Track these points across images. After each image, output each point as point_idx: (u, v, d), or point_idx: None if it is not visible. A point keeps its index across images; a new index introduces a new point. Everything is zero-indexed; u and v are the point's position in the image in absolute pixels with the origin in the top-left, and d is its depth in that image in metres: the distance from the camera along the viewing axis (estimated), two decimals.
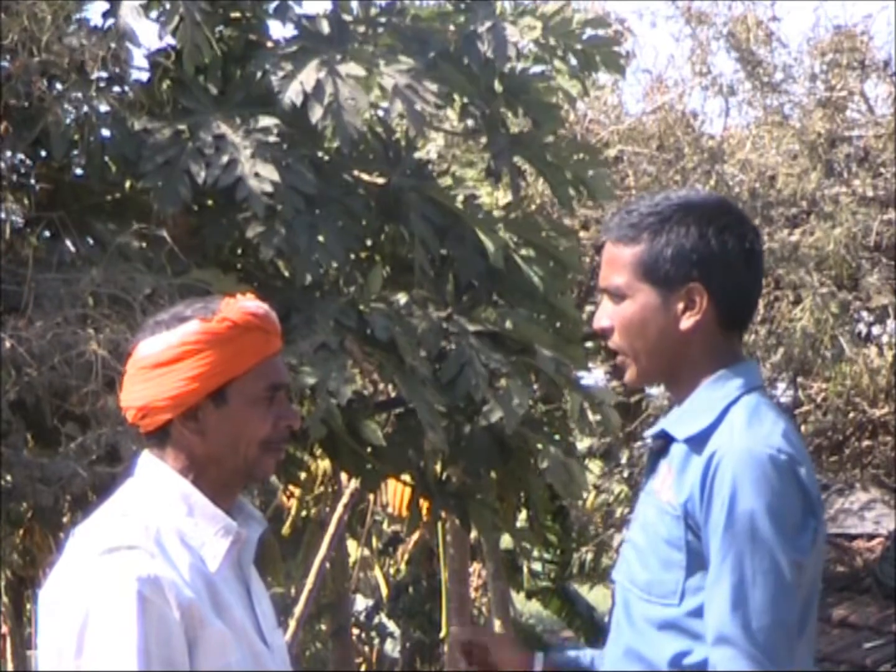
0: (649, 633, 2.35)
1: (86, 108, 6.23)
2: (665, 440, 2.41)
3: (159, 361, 2.33)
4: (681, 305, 2.37)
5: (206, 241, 6.64)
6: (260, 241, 6.34)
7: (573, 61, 6.97)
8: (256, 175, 6.15)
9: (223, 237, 6.72)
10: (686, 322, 2.37)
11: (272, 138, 6.28)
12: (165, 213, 6.29)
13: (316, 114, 6.24)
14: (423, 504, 7.57)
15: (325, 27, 6.59)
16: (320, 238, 6.38)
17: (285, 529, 13.66)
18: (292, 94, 6.28)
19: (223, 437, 2.34)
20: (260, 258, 6.56)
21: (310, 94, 6.25)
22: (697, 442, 2.33)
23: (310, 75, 6.28)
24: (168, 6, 6.31)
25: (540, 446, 6.86)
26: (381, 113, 6.91)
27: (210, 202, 6.69)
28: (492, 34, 6.72)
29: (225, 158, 6.19)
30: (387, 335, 6.39)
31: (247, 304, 2.38)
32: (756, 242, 2.42)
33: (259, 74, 6.50)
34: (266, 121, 6.32)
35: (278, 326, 2.41)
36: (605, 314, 2.43)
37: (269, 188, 6.14)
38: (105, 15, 6.43)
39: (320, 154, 6.74)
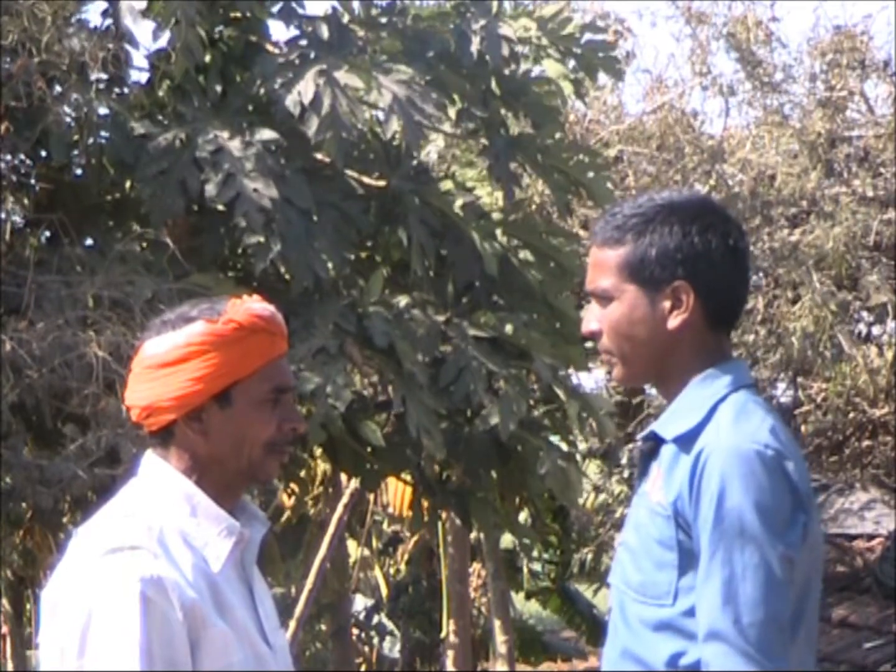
0: (645, 635, 2.35)
1: (85, 110, 6.23)
2: (655, 442, 2.42)
3: (165, 361, 2.33)
4: (667, 304, 2.38)
5: (206, 246, 6.65)
6: (255, 253, 6.35)
7: (571, 63, 6.99)
8: (255, 191, 6.16)
9: (222, 243, 6.73)
10: (673, 321, 2.38)
11: (272, 147, 6.29)
12: (159, 222, 6.30)
13: (313, 125, 6.23)
14: (425, 503, 7.57)
15: (325, 31, 6.58)
16: (316, 245, 6.38)
17: (278, 526, 13.64)
18: (290, 105, 6.28)
19: (227, 439, 2.34)
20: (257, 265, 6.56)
21: (307, 105, 6.24)
22: (685, 441, 2.34)
23: (308, 86, 6.27)
24: (164, 7, 6.30)
25: (540, 451, 6.86)
26: (380, 115, 6.93)
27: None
28: (485, 32, 6.73)
29: (223, 172, 6.19)
30: (385, 341, 6.39)
31: (253, 305, 2.38)
32: (740, 240, 2.43)
33: (259, 81, 6.51)
34: (265, 133, 6.31)
35: (284, 329, 2.41)
36: (594, 317, 2.44)
37: (267, 204, 6.15)
38: (104, 14, 6.43)
39: (319, 156, 6.74)
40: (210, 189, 6.24)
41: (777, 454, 2.28)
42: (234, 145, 6.26)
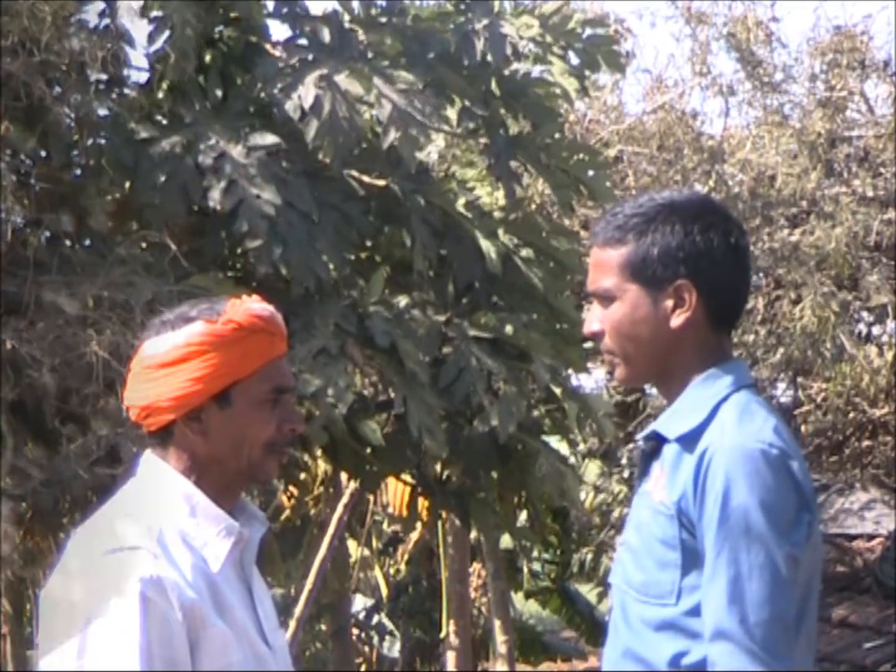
0: (647, 635, 2.35)
1: (84, 110, 6.23)
2: (657, 441, 2.42)
3: (164, 362, 2.33)
4: (670, 303, 2.38)
5: (206, 248, 6.65)
6: (256, 256, 6.35)
7: (574, 60, 6.98)
8: (258, 197, 6.15)
9: (223, 245, 6.73)
10: (676, 320, 2.39)
11: (273, 150, 6.29)
12: (160, 225, 6.30)
13: (312, 131, 6.23)
14: (424, 504, 7.57)
15: (326, 33, 6.57)
16: (317, 246, 6.38)
17: (278, 526, 13.65)
18: (290, 109, 6.27)
19: (226, 439, 2.34)
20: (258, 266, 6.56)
21: (307, 111, 6.24)
22: (688, 440, 2.34)
23: (308, 91, 6.26)
24: (162, 13, 6.30)
25: (538, 452, 6.86)
26: (381, 116, 6.92)
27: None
28: (488, 31, 6.72)
29: (226, 178, 6.18)
30: (387, 341, 6.39)
31: (252, 306, 2.38)
32: (741, 239, 2.44)
33: (259, 84, 6.50)
34: (267, 138, 6.31)
35: (284, 329, 2.41)
36: (595, 318, 2.45)
37: (270, 211, 6.14)
38: (102, 14, 6.42)
39: (320, 156, 6.73)
40: (213, 196, 6.23)
41: (782, 453, 2.29)
42: (237, 151, 6.25)
